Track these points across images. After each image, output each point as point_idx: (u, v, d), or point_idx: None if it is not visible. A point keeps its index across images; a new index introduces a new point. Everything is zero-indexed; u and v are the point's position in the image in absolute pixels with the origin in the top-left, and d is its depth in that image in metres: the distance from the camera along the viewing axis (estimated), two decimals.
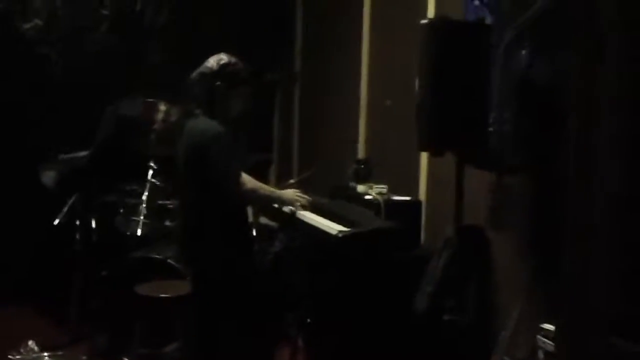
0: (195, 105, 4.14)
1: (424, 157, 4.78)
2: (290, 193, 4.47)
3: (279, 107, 7.32)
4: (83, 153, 5.78)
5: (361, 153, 5.62)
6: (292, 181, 5.54)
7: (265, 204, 4.79)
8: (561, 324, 2.40)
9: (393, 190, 4.66)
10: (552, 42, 2.86)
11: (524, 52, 3.24)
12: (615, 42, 1.98)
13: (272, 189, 4.53)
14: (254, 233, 5.23)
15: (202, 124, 4.06)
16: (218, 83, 4.07)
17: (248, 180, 4.18)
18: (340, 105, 6.15)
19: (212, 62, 4.12)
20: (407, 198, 4.56)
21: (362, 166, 4.90)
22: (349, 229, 4.05)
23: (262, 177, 5.74)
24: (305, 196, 4.45)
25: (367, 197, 4.51)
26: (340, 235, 3.98)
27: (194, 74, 4.14)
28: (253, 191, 4.16)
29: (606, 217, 1.96)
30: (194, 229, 4.19)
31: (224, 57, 4.14)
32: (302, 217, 4.41)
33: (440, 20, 3.56)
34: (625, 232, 1.91)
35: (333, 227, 4.10)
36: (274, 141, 7.37)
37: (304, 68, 7.00)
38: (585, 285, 2.02)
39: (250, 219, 5.12)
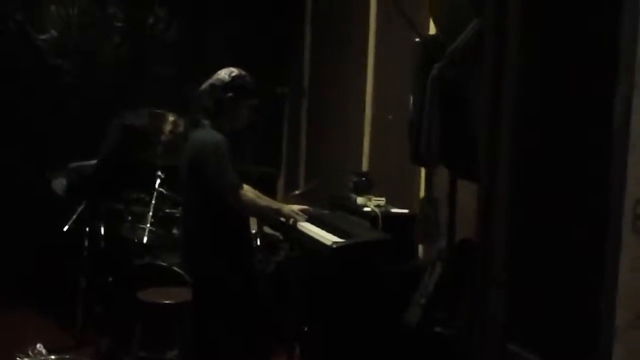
0: (203, 115, 4.27)
1: (422, 171, 4.88)
2: (288, 207, 4.48)
3: (287, 121, 7.44)
4: (92, 162, 5.89)
5: (364, 166, 5.72)
6: (296, 192, 5.66)
7: (263, 216, 4.84)
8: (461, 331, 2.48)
9: (392, 202, 4.76)
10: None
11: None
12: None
13: (272, 202, 4.57)
14: (258, 242, 5.35)
15: (204, 134, 4.19)
16: (229, 95, 4.21)
17: (250, 191, 4.28)
18: (346, 119, 6.26)
19: (223, 74, 4.27)
20: (405, 211, 4.66)
21: (363, 178, 5.01)
22: (343, 240, 4.12)
23: (268, 189, 5.88)
24: (304, 210, 4.48)
25: (365, 209, 4.60)
26: (334, 246, 4.05)
27: (205, 85, 4.29)
28: (251, 203, 4.20)
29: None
30: (194, 237, 4.31)
31: (235, 70, 4.28)
32: (301, 228, 4.47)
33: (431, 38, 3.67)
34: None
35: (328, 238, 4.17)
36: (282, 154, 7.50)
37: (312, 83, 7.10)
38: (483, 293, 2.12)
39: (255, 228, 5.25)
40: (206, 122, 4.24)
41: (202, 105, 4.28)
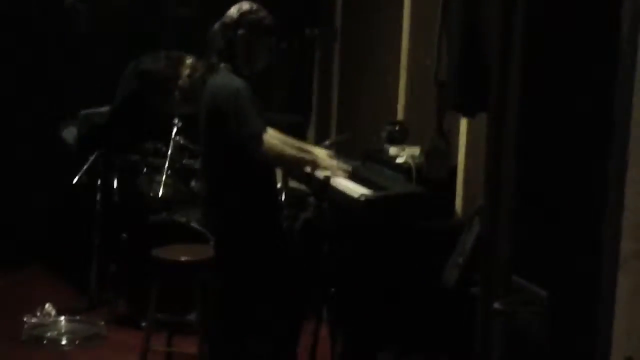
0: (217, 58, 4.07)
1: (464, 119, 4.65)
2: (324, 157, 4.12)
3: (318, 65, 7.22)
4: (104, 108, 5.74)
5: (400, 115, 5.51)
6: (327, 142, 5.45)
7: (295, 167, 4.42)
8: None
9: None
10: None
11: None
12: None
13: (303, 149, 4.17)
14: (283, 197, 5.15)
15: (222, 79, 3.99)
16: (240, 32, 4.01)
17: (275, 137, 3.93)
18: (381, 64, 6.03)
19: (233, 10, 4.08)
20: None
21: (397, 128, 4.77)
22: (371, 193, 3.95)
23: (298, 138, 5.68)
24: (341, 166, 4.16)
25: (399, 160, 4.37)
26: (362, 199, 3.88)
27: (216, 25, 4.09)
28: (279, 153, 3.89)
29: None
30: (216, 191, 4.15)
31: (245, 5, 4.09)
32: (332, 183, 4.26)
33: None
34: None
35: (357, 191, 3.99)
36: (312, 101, 7.28)
37: (344, 25, 6.87)
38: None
39: (279, 182, 5.05)
40: (222, 65, 4.04)
41: (215, 47, 4.08)
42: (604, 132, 1.58)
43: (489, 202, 1.96)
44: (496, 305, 1.76)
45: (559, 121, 1.80)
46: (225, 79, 3.97)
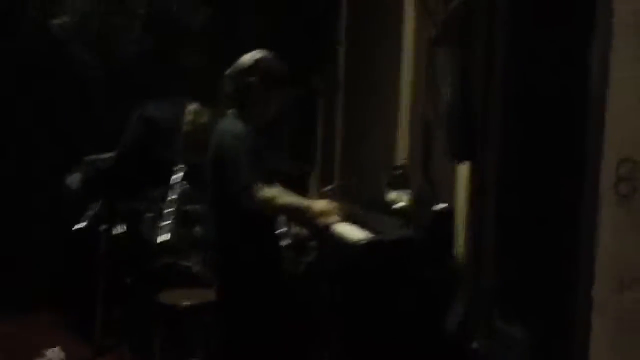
0: (227, 104, 4.10)
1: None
2: (322, 204, 4.15)
3: (322, 116, 7.31)
4: (108, 155, 5.83)
5: (401, 161, 5.58)
6: (329, 187, 5.53)
7: (288, 214, 4.40)
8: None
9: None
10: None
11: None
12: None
13: (300, 199, 4.18)
14: (289, 241, 5.14)
15: (228, 124, 4.02)
16: (252, 79, 4.03)
17: (277, 191, 3.96)
18: (383, 112, 6.10)
19: (247, 57, 4.09)
20: (441, 206, 4.45)
21: (398, 172, 4.83)
22: (369, 237, 3.98)
23: (302, 187, 5.75)
24: (336, 208, 4.15)
25: (396, 206, 4.43)
26: (359, 243, 3.91)
27: (228, 71, 4.11)
28: (270, 201, 3.86)
29: None
30: (217, 234, 4.16)
31: (259, 53, 4.10)
32: (332, 227, 4.24)
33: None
34: None
35: (356, 235, 4.03)
36: (317, 151, 7.37)
37: (347, 77, 6.97)
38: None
39: (285, 227, 5.12)
40: (230, 111, 4.08)
41: (225, 93, 4.11)
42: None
43: (472, 245, 2.05)
44: (475, 345, 1.83)
45: (535, 167, 1.89)
46: (230, 124, 3.99)
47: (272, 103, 4.13)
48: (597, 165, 1.44)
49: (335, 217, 4.10)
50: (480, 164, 2.02)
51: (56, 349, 5.38)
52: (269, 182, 3.93)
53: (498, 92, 1.92)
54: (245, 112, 4.05)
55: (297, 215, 4.19)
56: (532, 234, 1.82)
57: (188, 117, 5.45)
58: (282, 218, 4.74)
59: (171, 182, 5.35)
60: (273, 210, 4.00)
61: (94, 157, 5.89)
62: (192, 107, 5.48)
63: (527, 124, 1.88)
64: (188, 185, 5.42)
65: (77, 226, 5.50)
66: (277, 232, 4.55)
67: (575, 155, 1.56)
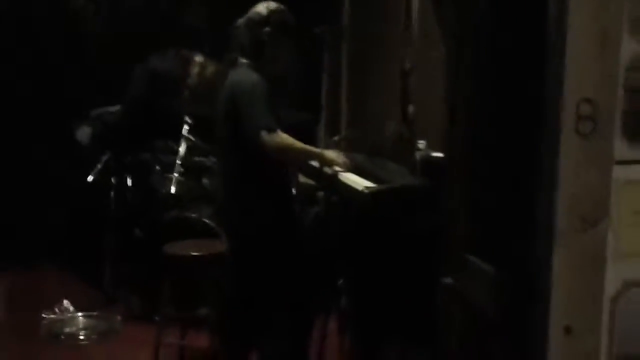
0: (239, 54, 4.18)
1: None
2: (332, 153, 4.39)
3: (327, 63, 7.35)
4: (115, 108, 5.93)
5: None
6: (335, 138, 5.63)
7: (302, 160, 4.54)
8: None
9: (434, 146, 4.68)
10: None
11: None
12: None
13: (312, 147, 4.40)
14: (294, 192, 5.32)
15: (241, 74, 4.10)
16: (266, 29, 4.11)
17: (286, 137, 4.09)
18: (389, 59, 6.15)
19: (261, 7, 4.15)
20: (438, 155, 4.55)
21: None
22: (375, 186, 4.01)
23: (308, 137, 5.85)
24: (346, 160, 4.35)
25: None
26: (366, 191, 3.93)
27: (241, 21, 4.18)
28: (288, 143, 4.01)
29: None
30: (232, 186, 4.27)
31: (273, 4, 4.18)
32: (340, 177, 4.37)
33: None
34: None
35: (362, 184, 4.06)
36: (322, 100, 7.42)
37: (352, 21, 7.00)
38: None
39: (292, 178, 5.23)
40: (244, 61, 4.16)
41: (238, 43, 4.19)
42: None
43: (447, 194, 2.21)
44: (448, 280, 2.00)
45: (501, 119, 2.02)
46: (244, 74, 4.08)
47: (283, 54, 4.22)
48: (556, 105, 1.56)
49: (343, 166, 4.28)
50: (452, 105, 2.18)
51: (65, 302, 5.53)
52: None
53: (468, 36, 2.07)
54: (258, 63, 4.13)
55: (312, 160, 4.41)
56: (498, 176, 1.98)
57: (194, 70, 5.54)
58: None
59: (180, 134, 5.48)
60: (289, 153, 4.11)
61: (101, 110, 6.01)
62: (198, 59, 5.57)
63: (492, 67, 2.01)
64: (196, 137, 5.54)
65: (89, 178, 5.61)
66: (290, 185, 4.67)
67: (537, 98, 1.69)
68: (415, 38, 5.08)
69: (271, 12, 4.14)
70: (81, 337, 5.27)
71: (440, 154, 4.51)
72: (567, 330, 1.66)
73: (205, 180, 5.55)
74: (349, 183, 4.24)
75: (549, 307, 1.64)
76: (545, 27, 1.64)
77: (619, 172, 1.67)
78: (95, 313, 5.49)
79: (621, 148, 1.66)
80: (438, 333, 2.42)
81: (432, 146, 4.60)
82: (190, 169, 5.52)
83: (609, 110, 1.59)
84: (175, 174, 5.38)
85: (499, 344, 1.92)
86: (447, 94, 2.36)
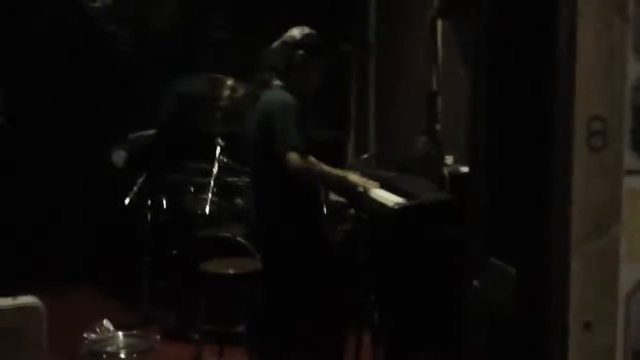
0: (272, 75, 4.42)
1: None
2: (355, 176, 4.57)
3: (354, 81, 7.52)
4: (151, 132, 6.12)
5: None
6: (364, 157, 5.81)
7: (324, 182, 4.73)
8: None
9: (462, 161, 4.82)
10: None
11: None
12: None
13: (335, 170, 4.59)
14: (325, 211, 5.38)
15: (274, 94, 4.34)
16: (300, 53, 4.39)
17: (310, 159, 4.31)
18: (416, 76, 6.23)
19: (295, 32, 4.44)
20: (465, 169, 4.67)
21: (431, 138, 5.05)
22: (405, 201, 4.17)
23: (337, 154, 6.02)
24: (368, 181, 4.53)
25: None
26: (396, 207, 4.10)
27: (275, 43, 4.45)
28: (310, 165, 4.25)
29: None
30: (262, 204, 4.49)
31: (306, 28, 4.46)
32: (369, 194, 4.54)
33: None
34: None
35: (392, 200, 4.23)
36: (350, 118, 7.61)
37: (378, 39, 7.17)
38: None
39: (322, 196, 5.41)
40: (276, 82, 4.39)
41: (271, 64, 4.44)
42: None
43: (470, 201, 2.41)
44: (475, 282, 2.18)
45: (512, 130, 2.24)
46: (278, 94, 4.33)
47: (315, 76, 4.50)
48: (568, 122, 1.76)
49: (371, 184, 4.47)
50: (473, 128, 2.40)
51: (105, 322, 5.67)
52: (308, 152, 4.27)
53: (484, 60, 2.27)
54: (290, 84, 4.40)
55: (335, 182, 4.60)
56: (516, 187, 2.18)
57: (226, 92, 5.75)
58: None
59: (211, 155, 5.66)
60: (313, 173, 4.34)
61: (137, 134, 6.19)
62: (229, 82, 5.76)
63: (505, 88, 2.22)
64: (228, 158, 5.73)
65: (126, 200, 5.77)
66: (321, 204, 4.89)
67: (548, 116, 1.89)
68: (440, 61, 5.23)
69: (305, 36, 4.42)
70: (122, 356, 5.30)
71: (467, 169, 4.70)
72: (587, 326, 1.85)
73: (237, 200, 5.70)
74: (379, 199, 4.39)
75: (569, 304, 1.82)
76: (555, 48, 1.83)
77: (629, 182, 1.86)
78: (134, 332, 5.51)
79: (630, 160, 1.85)
80: (464, 336, 2.61)
81: (458, 162, 4.79)
82: (223, 189, 5.70)
83: (618, 126, 1.79)
84: (209, 195, 5.54)
85: (521, 341, 2.12)
86: (469, 113, 2.56)
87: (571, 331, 1.83)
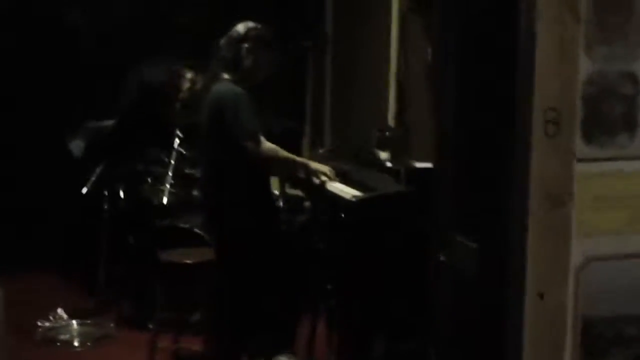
0: (222, 70, 4.62)
1: None
2: (317, 163, 4.78)
3: (311, 74, 7.63)
4: (109, 121, 6.21)
5: (391, 119, 5.89)
6: (321, 151, 5.99)
7: (288, 169, 4.92)
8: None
9: (418, 157, 4.78)
10: None
11: None
12: None
13: (297, 157, 4.85)
14: (281, 204, 5.53)
15: (225, 86, 4.54)
16: (245, 46, 4.60)
17: (271, 146, 4.55)
18: (371, 71, 6.43)
19: (240, 27, 4.65)
20: (429, 165, 4.85)
21: (386, 133, 5.21)
22: (363, 194, 4.33)
23: (292, 146, 6.16)
24: (332, 171, 4.69)
25: (388, 163, 4.80)
26: (354, 199, 4.26)
27: (222, 39, 4.66)
28: (274, 151, 4.49)
29: None
30: (215, 195, 4.66)
31: (250, 23, 4.66)
32: (327, 186, 4.69)
33: None
34: None
35: (349, 192, 4.38)
36: (306, 110, 7.68)
37: (335, 34, 7.30)
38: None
39: (277, 190, 5.50)
40: (225, 76, 4.60)
41: (220, 59, 4.65)
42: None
43: (436, 185, 2.69)
44: (441, 257, 2.47)
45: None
46: (226, 87, 4.54)
47: (262, 66, 4.69)
48: (528, 111, 2.03)
49: (330, 176, 4.66)
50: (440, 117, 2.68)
51: (59, 310, 5.75)
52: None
53: (448, 51, 2.55)
54: (238, 76, 4.60)
55: (297, 169, 4.79)
56: (477, 170, 2.45)
57: (185, 85, 5.91)
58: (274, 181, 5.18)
59: (170, 145, 5.78)
60: (276, 159, 4.59)
61: (94, 123, 6.30)
62: (189, 75, 5.93)
63: (472, 77, 2.49)
64: (186, 150, 5.84)
65: (84, 190, 5.87)
66: (272, 193, 5.03)
67: (508, 104, 2.16)
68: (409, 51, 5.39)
69: (249, 30, 4.65)
70: (76, 344, 5.50)
71: (423, 164, 4.87)
72: (540, 295, 2.12)
73: (195, 192, 5.77)
74: (337, 192, 4.55)
75: (525, 276, 2.09)
76: (517, 46, 2.11)
77: (581, 166, 2.14)
78: (89, 320, 5.72)
79: (581, 148, 2.14)
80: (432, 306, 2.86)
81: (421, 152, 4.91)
82: (181, 180, 5.80)
83: (570, 117, 2.07)
84: (167, 185, 5.66)
85: (482, 310, 2.39)
86: (434, 99, 2.82)
87: (527, 301, 2.10)
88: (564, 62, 2.06)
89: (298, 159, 4.82)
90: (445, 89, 2.56)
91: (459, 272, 2.48)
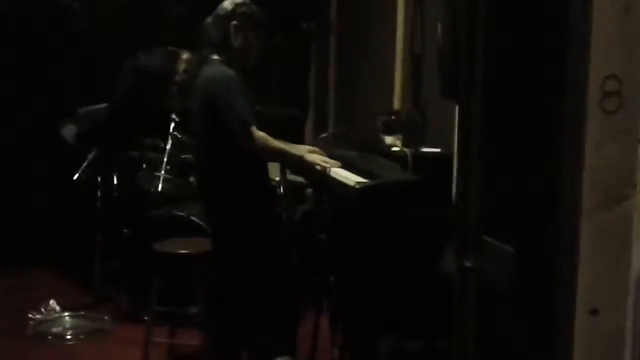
0: (210, 51, 4.26)
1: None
2: (312, 154, 4.30)
3: (315, 59, 7.40)
4: (102, 106, 5.94)
5: (397, 104, 5.68)
6: (324, 135, 5.63)
7: (281, 160, 4.66)
8: None
9: (425, 142, 4.68)
10: None
11: None
12: None
13: (292, 146, 4.33)
14: (282, 190, 5.20)
15: (213, 69, 4.18)
16: (234, 23, 4.19)
17: (263, 135, 4.11)
18: (377, 55, 6.16)
19: (227, 3, 4.26)
20: (437, 150, 4.55)
21: (392, 117, 4.95)
22: (367, 181, 4.02)
23: (295, 133, 5.84)
24: (328, 160, 4.30)
25: (394, 149, 4.47)
26: (357, 187, 3.94)
27: (209, 18, 4.27)
28: (265, 142, 4.05)
29: None
30: (211, 182, 4.32)
31: None
32: (330, 173, 4.33)
33: None
34: None
35: (353, 180, 4.06)
36: (310, 95, 7.47)
37: (340, 18, 7.04)
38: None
39: (278, 176, 5.21)
40: (215, 57, 4.24)
41: (208, 39, 4.28)
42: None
43: (461, 173, 2.20)
44: (467, 263, 1.97)
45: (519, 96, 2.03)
46: (216, 69, 4.15)
47: (253, 46, 4.28)
48: (581, 82, 1.56)
49: (332, 162, 4.26)
50: (465, 100, 2.16)
51: (51, 302, 5.53)
52: (259, 128, 4.08)
53: (481, 27, 2.05)
54: (228, 57, 4.21)
55: (292, 160, 4.35)
56: (515, 156, 1.99)
57: (181, 67, 5.57)
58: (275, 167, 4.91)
59: (166, 131, 5.47)
60: (269, 151, 4.13)
61: (87, 108, 6.01)
62: (185, 56, 5.58)
63: (509, 50, 2.02)
64: (182, 135, 5.53)
65: (75, 177, 5.61)
66: (269, 178, 4.67)
67: (558, 75, 1.69)
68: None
69: (236, 6, 4.23)
70: (68, 337, 5.28)
71: (431, 149, 4.55)
72: (593, 312, 1.65)
73: (192, 178, 5.51)
74: (340, 179, 4.23)
75: (576, 288, 1.63)
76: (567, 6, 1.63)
77: None
78: (82, 313, 5.52)
79: None
80: (434, 324, 2.42)
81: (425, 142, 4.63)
82: (177, 166, 5.51)
83: (635, 88, 1.58)
84: (162, 172, 5.38)
85: (519, 330, 1.92)
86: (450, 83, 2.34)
87: (577, 318, 1.63)
88: (628, 19, 1.56)
89: (293, 150, 4.30)
90: (469, 61, 2.06)
91: (490, 282, 1.99)
